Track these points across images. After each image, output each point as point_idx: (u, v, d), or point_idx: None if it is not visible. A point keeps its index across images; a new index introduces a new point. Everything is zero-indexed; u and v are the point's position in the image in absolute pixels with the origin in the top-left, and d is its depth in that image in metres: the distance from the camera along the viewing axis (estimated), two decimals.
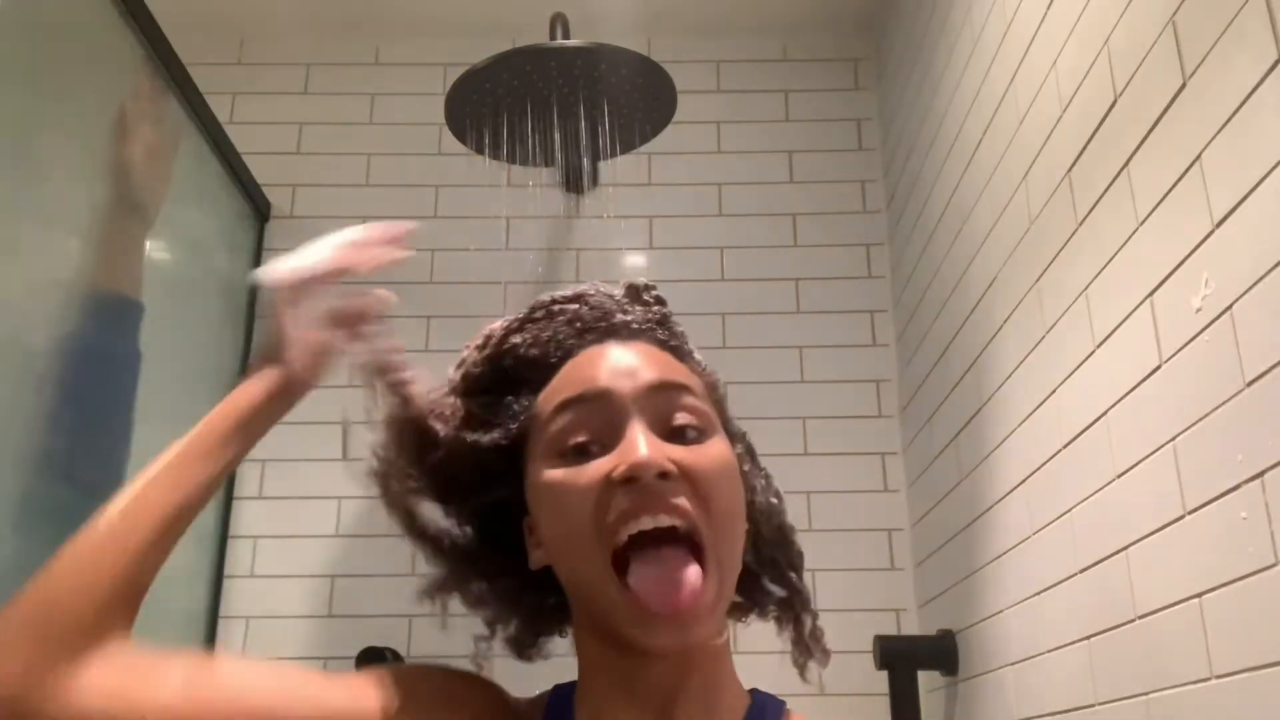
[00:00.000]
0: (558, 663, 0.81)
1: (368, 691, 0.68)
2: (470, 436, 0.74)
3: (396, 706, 0.67)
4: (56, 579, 0.65)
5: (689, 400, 0.70)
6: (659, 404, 0.68)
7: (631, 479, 0.63)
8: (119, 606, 0.65)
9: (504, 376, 0.76)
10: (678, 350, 0.77)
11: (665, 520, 0.64)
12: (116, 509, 0.68)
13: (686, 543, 0.65)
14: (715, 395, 0.77)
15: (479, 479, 0.75)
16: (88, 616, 0.63)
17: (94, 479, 1.42)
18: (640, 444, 0.64)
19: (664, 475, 0.64)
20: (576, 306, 0.76)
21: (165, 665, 0.65)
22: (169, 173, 1.65)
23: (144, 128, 1.57)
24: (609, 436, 0.67)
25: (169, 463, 0.70)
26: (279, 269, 0.78)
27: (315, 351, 0.77)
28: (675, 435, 0.68)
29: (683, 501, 0.64)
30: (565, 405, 0.69)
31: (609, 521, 0.64)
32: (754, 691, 0.75)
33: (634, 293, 0.79)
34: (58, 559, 0.66)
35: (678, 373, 0.72)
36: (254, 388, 0.75)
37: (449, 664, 0.75)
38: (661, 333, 0.77)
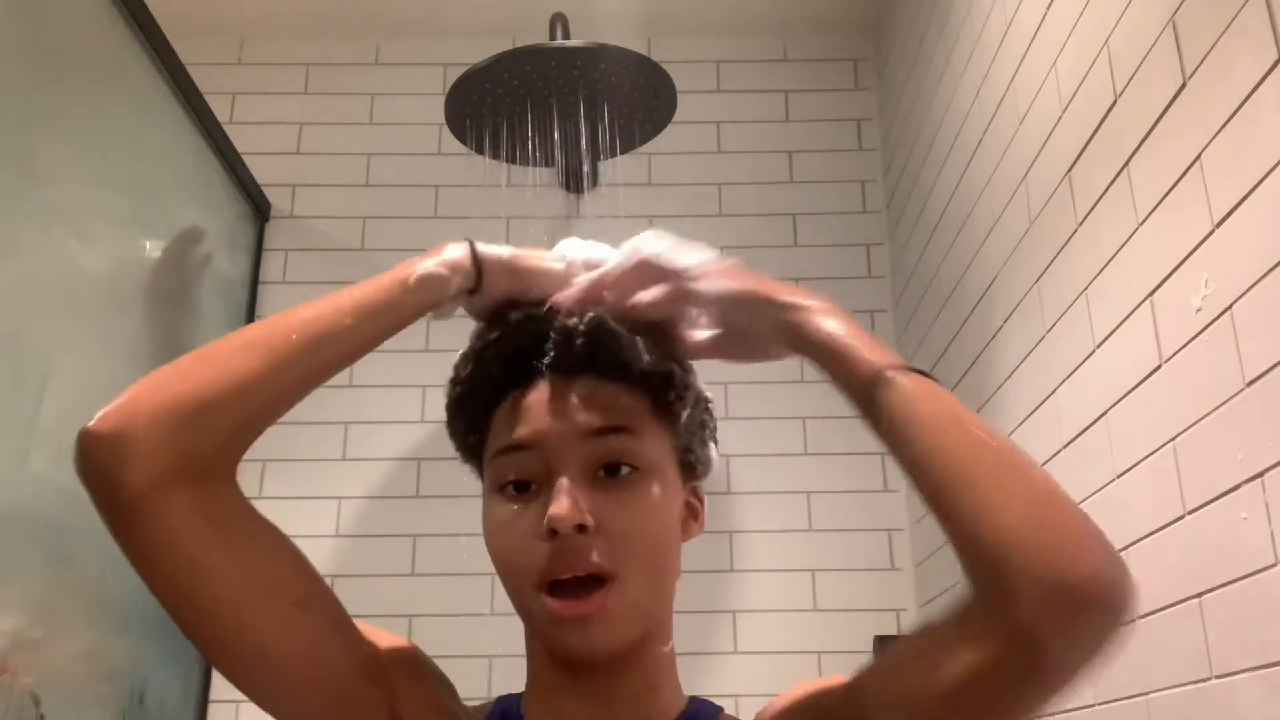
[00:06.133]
0: None
1: (387, 641, 0.76)
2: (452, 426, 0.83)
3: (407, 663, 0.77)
4: (206, 390, 0.67)
5: (621, 441, 0.74)
6: (589, 449, 0.73)
7: (553, 532, 0.70)
8: (247, 442, 0.69)
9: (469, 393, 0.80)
10: (624, 370, 0.76)
11: (581, 571, 0.71)
12: (283, 343, 0.70)
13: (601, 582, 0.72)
14: (668, 404, 0.77)
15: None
16: (224, 446, 0.67)
17: None
18: (561, 501, 0.70)
19: (582, 528, 0.70)
20: (515, 342, 0.77)
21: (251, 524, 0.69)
22: None
23: None
24: (543, 477, 0.73)
25: (324, 314, 0.73)
26: (581, 250, 0.83)
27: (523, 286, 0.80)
28: (610, 471, 0.73)
29: (596, 556, 0.70)
30: (503, 450, 0.75)
31: (538, 566, 0.71)
32: (692, 698, 0.78)
33: (566, 335, 0.76)
34: (210, 361, 0.69)
35: (613, 414, 0.74)
36: (436, 287, 0.77)
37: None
38: (604, 360, 0.75)
